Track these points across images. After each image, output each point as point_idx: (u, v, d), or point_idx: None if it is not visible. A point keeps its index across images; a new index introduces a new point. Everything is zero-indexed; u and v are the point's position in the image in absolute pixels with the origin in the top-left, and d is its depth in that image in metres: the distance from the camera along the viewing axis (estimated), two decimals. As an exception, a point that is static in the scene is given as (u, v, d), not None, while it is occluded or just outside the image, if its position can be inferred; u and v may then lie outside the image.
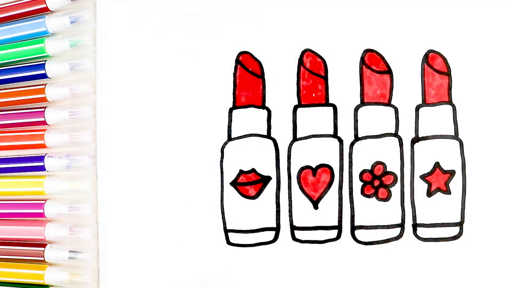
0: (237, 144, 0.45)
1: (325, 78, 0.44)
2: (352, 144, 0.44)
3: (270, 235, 0.44)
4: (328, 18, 0.44)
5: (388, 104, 0.43)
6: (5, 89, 0.46)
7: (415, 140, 0.43)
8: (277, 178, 0.44)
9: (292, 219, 0.44)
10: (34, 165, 0.46)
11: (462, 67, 0.43)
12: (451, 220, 0.43)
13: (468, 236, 0.43)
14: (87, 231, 0.45)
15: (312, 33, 0.44)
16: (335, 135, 0.44)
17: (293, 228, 0.44)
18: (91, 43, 0.46)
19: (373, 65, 0.44)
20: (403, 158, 0.43)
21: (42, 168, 0.46)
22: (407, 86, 0.43)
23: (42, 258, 0.45)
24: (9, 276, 0.45)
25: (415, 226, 0.43)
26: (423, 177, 0.43)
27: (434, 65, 0.43)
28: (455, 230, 0.43)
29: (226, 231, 0.44)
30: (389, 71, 0.43)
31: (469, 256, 0.43)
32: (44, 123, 0.46)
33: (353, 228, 0.44)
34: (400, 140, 0.43)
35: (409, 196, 0.43)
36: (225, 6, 0.45)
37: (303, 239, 0.44)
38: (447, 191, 0.43)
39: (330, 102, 0.44)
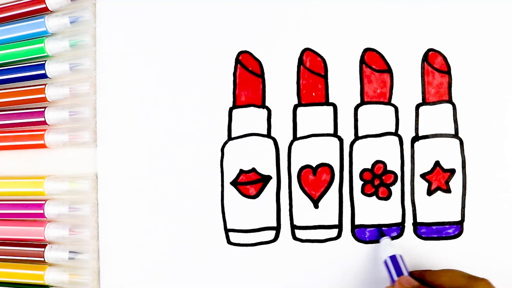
0: (237, 143, 0.45)
1: (325, 77, 0.44)
2: (352, 143, 0.44)
3: (271, 234, 0.44)
4: (328, 17, 0.44)
5: (388, 103, 0.43)
6: (5, 89, 0.46)
7: (415, 139, 0.43)
8: (277, 178, 0.44)
9: (292, 218, 0.44)
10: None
11: (462, 65, 0.43)
12: (451, 218, 0.43)
13: (468, 234, 0.43)
14: (87, 232, 0.45)
15: (312, 32, 0.44)
16: (335, 134, 0.44)
17: (293, 227, 0.44)
18: (91, 43, 0.46)
19: (373, 64, 0.44)
20: (403, 157, 0.43)
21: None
22: (407, 84, 0.43)
23: (42, 259, 0.45)
24: (9, 276, 0.45)
25: (415, 224, 0.43)
26: (423, 175, 0.43)
27: (434, 64, 0.43)
28: (455, 229, 0.43)
29: (227, 230, 0.44)
30: (389, 70, 0.44)
31: (469, 254, 0.43)
32: (44, 123, 0.46)
33: (354, 227, 0.44)
34: (400, 139, 0.43)
35: (410, 195, 0.43)
36: (225, 6, 0.45)
37: (303, 238, 0.44)
38: (448, 190, 0.43)
39: (330, 101, 0.44)
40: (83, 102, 0.46)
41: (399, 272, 0.40)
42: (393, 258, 0.41)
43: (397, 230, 0.43)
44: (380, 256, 0.42)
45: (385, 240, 0.43)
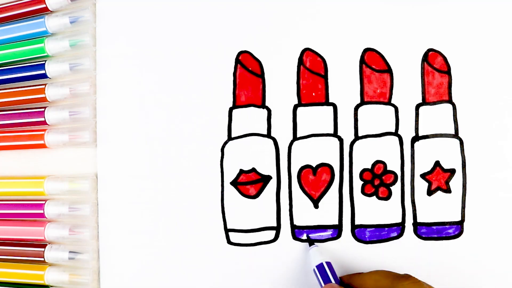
0: (237, 143, 0.45)
1: (325, 77, 0.44)
2: (352, 143, 0.44)
3: (271, 234, 0.44)
4: (328, 17, 0.44)
5: (388, 103, 0.43)
6: (5, 89, 0.46)
7: (415, 139, 0.43)
8: (277, 177, 0.44)
9: (292, 218, 0.44)
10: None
11: (462, 65, 0.43)
12: (451, 218, 0.43)
13: (469, 234, 0.43)
14: (87, 232, 0.45)
15: (312, 32, 0.44)
16: (335, 134, 0.44)
17: (293, 227, 0.44)
18: (91, 43, 0.46)
19: (373, 64, 0.44)
20: (403, 157, 0.43)
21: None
22: (407, 84, 0.43)
23: (42, 259, 0.45)
24: (9, 276, 0.45)
25: (415, 224, 0.43)
26: (423, 175, 0.43)
27: (434, 64, 0.43)
28: (455, 229, 0.43)
29: (227, 230, 0.44)
30: (389, 70, 0.44)
31: (470, 255, 0.43)
32: (44, 123, 0.46)
33: (354, 227, 0.44)
34: (400, 139, 0.43)
35: (410, 195, 0.43)
36: (225, 6, 0.45)
37: (303, 238, 0.44)
38: (448, 190, 0.43)
39: (330, 101, 0.44)
40: (83, 102, 0.46)
41: (327, 280, 0.40)
42: (320, 266, 0.41)
43: (397, 230, 0.43)
44: (310, 265, 0.43)
45: (313, 249, 0.43)
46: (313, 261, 0.42)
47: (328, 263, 0.41)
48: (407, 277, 0.37)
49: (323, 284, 0.40)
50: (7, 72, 0.46)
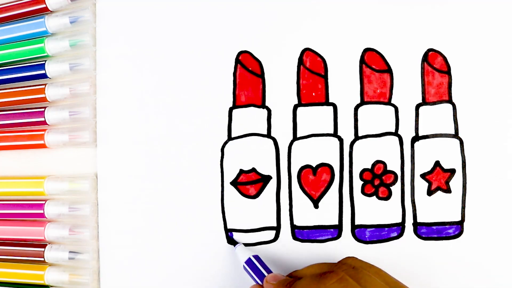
0: (237, 143, 0.45)
1: (325, 77, 0.44)
2: (352, 143, 0.44)
3: (271, 234, 0.44)
4: (328, 17, 0.44)
5: (388, 103, 0.43)
6: (5, 89, 0.46)
7: (415, 139, 0.43)
8: (277, 177, 0.44)
9: (292, 218, 0.44)
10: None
11: (462, 65, 0.43)
12: (451, 218, 0.43)
13: (469, 234, 0.43)
14: (87, 232, 0.45)
15: (312, 32, 0.44)
16: (335, 134, 0.44)
17: (293, 227, 0.44)
18: (91, 43, 0.46)
19: (373, 64, 0.44)
20: (403, 157, 0.43)
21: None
22: (407, 84, 0.43)
23: (42, 259, 0.45)
24: (9, 276, 0.45)
25: (415, 224, 0.43)
26: (423, 176, 0.43)
27: (434, 64, 0.43)
28: (455, 229, 0.43)
29: (227, 230, 0.44)
30: (389, 70, 0.44)
31: (470, 255, 0.43)
32: (44, 123, 0.46)
33: (354, 227, 0.44)
34: (400, 139, 0.43)
35: (410, 195, 0.43)
36: (225, 6, 0.45)
37: (303, 238, 0.44)
38: (448, 190, 0.43)
39: (330, 101, 0.44)
40: (83, 102, 0.46)
41: (258, 273, 0.40)
42: (248, 261, 0.41)
43: (397, 230, 0.43)
44: (239, 263, 0.43)
45: (239, 247, 0.43)
46: (242, 258, 0.42)
47: (256, 257, 0.41)
48: (330, 276, 0.35)
49: (256, 277, 0.40)
50: (7, 72, 0.46)
